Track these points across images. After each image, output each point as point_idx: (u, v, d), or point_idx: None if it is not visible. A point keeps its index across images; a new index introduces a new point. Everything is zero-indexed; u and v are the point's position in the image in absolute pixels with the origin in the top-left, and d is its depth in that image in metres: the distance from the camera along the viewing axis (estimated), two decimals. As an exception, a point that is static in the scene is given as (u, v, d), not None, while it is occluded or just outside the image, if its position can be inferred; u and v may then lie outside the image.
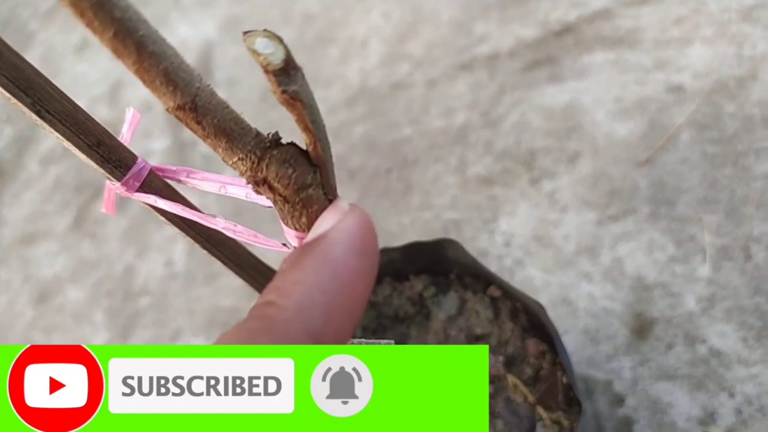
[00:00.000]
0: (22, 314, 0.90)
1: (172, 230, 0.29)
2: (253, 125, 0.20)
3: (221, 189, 0.26)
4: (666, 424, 0.55)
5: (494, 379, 0.42)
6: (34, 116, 0.21)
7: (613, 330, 0.60)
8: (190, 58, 1.06)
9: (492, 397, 0.41)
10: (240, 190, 0.25)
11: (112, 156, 0.24)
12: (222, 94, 0.19)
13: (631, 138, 0.70)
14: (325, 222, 0.19)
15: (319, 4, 1.01)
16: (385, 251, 0.45)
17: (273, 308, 0.16)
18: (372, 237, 0.18)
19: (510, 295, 0.43)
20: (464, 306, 0.45)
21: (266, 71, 0.18)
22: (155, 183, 0.26)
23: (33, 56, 1.24)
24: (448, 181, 0.76)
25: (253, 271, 0.31)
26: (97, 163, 0.24)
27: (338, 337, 0.16)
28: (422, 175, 0.78)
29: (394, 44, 0.91)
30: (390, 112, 0.85)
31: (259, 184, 0.20)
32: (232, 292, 0.78)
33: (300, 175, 0.20)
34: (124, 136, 0.25)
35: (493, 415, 0.41)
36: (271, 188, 0.20)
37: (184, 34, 1.09)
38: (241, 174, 0.20)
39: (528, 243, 0.68)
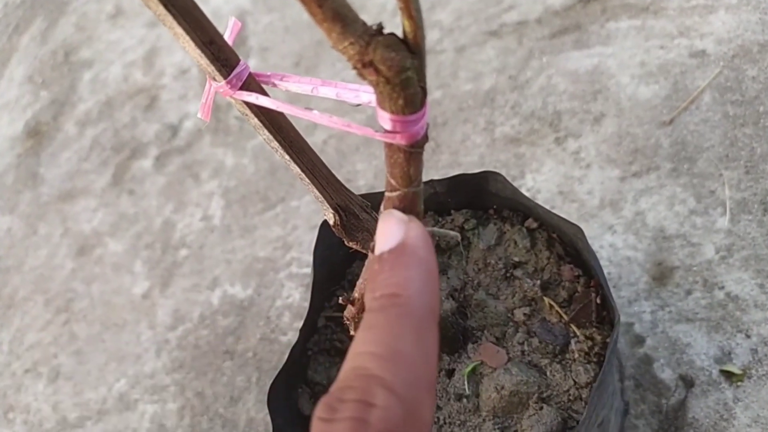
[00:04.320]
0: (62, 266, 0.95)
1: (259, 134, 0.31)
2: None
3: (313, 90, 0.29)
4: (684, 362, 0.58)
5: (530, 302, 0.45)
6: (161, 8, 0.25)
7: (635, 277, 0.64)
8: (223, 26, 1.09)
9: (528, 317, 0.45)
10: (330, 90, 0.29)
11: (221, 55, 0.27)
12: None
13: (655, 100, 0.73)
14: (394, 231, 0.24)
15: (350, -26, 1.04)
16: (430, 183, 0.48)
17: (401, 299, 0.22)
18: (429, 240, 0.24)
19: (547, 225, 0.47)
20: (503, 237, 0.48)
21: None
22: (252, 85, 0.29)
23: (67, 23, 1.27)
24: (476, 141, 0.79)
25: (325, 181, 0.35)
26: (209, 60, 0.27)
27: (438, 309, 0.24)
28: (451, 136, 0.81)
29: (424, 12, 0.93)
30: (420, 77, 0.88)
31: (366, 66, 0.23)
32: (267, 243, 0.82)
33: (401, 59, 0.23)
34: (227, 41, 0.29)
35: (529, 333, 0.45)
36: (376, 70, 0.23)
37: (217, 2, 1.12)
38: (349, 58, 0.23)
39: (553, 197, 0.71)
